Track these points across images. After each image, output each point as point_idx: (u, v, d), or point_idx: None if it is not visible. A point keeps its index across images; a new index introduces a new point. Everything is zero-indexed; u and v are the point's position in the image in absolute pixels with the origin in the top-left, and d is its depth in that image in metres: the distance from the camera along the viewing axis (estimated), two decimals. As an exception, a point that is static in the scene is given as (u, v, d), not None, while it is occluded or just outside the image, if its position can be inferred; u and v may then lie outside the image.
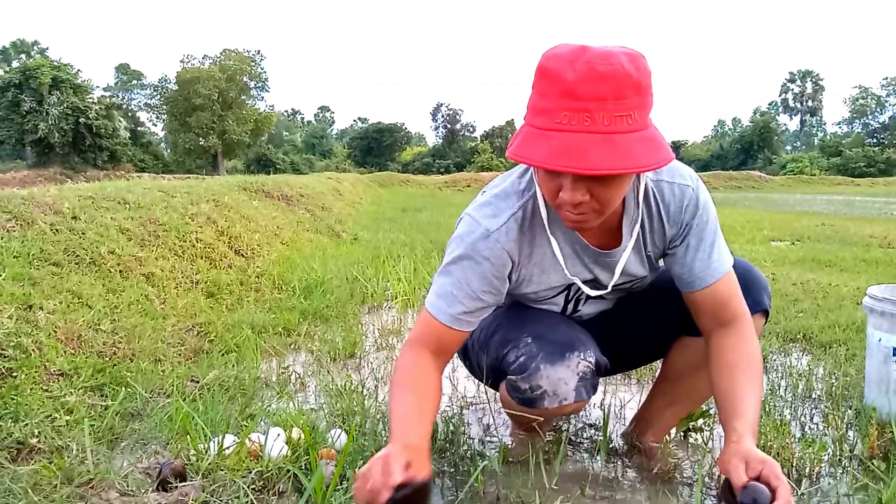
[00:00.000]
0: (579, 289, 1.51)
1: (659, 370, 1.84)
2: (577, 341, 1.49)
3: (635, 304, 1.65)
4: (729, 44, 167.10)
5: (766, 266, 5.39)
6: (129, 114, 56.95)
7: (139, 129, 56.03)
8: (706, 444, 1.88)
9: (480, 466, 1.59)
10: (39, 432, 1.78)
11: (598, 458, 1.79)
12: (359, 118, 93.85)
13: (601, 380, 1.87)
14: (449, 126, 73.82)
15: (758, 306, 1.56)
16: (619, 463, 1.79)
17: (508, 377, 1.51)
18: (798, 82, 79.87)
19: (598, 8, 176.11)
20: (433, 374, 1.41)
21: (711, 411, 1.88)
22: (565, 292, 1.55)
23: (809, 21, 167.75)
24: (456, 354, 1.61)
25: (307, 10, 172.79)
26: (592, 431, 2.02)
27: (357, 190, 17.52)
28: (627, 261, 1.46)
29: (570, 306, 1.61)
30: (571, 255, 1.46)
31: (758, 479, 1.13)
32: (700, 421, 1.88)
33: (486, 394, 2.30)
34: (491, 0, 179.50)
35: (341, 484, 1.51)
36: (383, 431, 1.90)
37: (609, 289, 1.51)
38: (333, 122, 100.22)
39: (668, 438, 1.83)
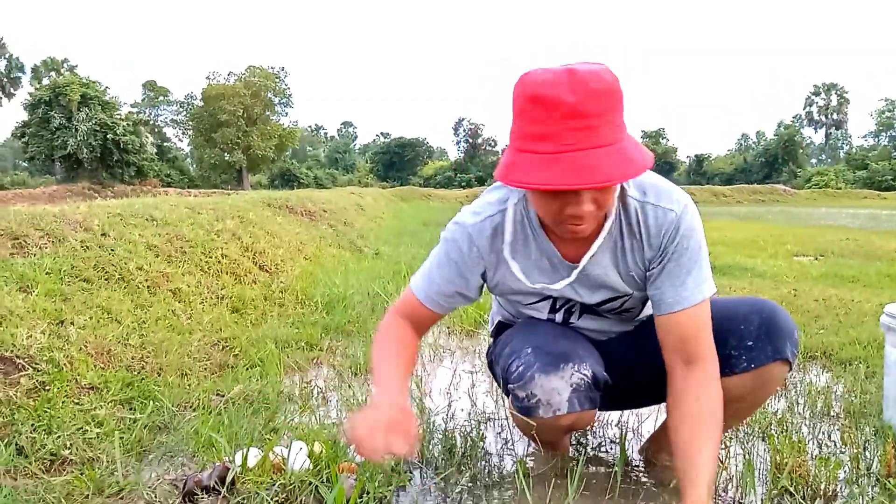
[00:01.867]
0: (567, 299, 1.56)
1: None
2: (574, 354, 1.51)
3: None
4: (753, 57, 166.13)
5: (788, 281, 5.36)
6: (156, 129, 57.83)
7: (165, 144, 56.87)
8: (722, 462, 1.89)
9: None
10: (71, 444, 1.84)
11: (615, 470, 1.80)
12: (381, 133, 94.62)
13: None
14: (470, 140, 74.15)
15: (777, 355, 1.54)
16: (635, 478, 1.81)
17: (509, 386, 1.56)
18: (823, 95, 79.02)
19: (617, 23, 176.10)
20: (410, 336, 1.60)
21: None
22: (549, 300, 1.59)
23: (834, 34, 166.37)
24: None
25: (330, 28, 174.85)
26: (610, 446, 2.05)
27: (379, 204, 17.64)
28: (605, 272, 1.48)
29: (560, 316, 1.64)
30: (545, 263, 1.50)
31: None
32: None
33: (505, 408, 2.33)
34: (510, 16, 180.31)
35: (361, 497, 1.55)
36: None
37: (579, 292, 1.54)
38: (356, 136, 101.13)
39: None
